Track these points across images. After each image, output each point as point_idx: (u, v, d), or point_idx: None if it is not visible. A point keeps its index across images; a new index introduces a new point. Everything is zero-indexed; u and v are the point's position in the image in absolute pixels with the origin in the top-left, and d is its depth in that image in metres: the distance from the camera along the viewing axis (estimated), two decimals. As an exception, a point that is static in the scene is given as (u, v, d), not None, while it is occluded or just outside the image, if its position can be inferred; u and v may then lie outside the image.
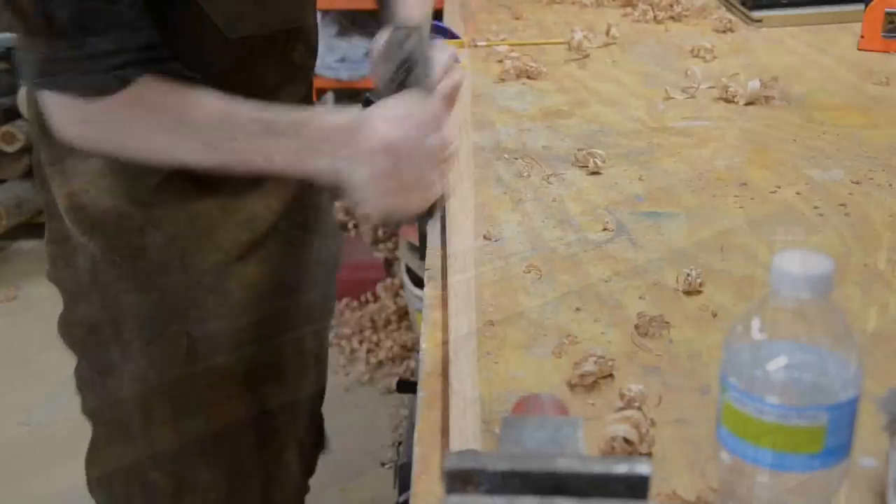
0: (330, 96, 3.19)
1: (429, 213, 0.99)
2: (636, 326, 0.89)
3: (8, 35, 3.33)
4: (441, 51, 1.09)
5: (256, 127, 0.97)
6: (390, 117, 0.94)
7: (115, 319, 1.16)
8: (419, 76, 1.02)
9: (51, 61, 0.94)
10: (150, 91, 0.97)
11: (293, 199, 1.20)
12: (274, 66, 1.14)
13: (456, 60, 1.12)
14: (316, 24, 1.23)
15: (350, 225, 3.25)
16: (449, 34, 1.66)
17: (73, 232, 1.14)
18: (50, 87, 0.96)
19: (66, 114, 0.99)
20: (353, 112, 0.97)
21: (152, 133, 0.99)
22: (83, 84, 0.95)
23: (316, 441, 1.50)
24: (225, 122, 0.97)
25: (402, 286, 2.85)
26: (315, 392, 1.42)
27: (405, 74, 1.01)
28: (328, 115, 0.97)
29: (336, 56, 3.12)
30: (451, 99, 1.09)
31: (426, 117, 0.94)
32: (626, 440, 0.72)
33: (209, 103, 0.97)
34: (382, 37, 1.08)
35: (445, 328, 0.89)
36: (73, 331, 1.22)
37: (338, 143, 0.95)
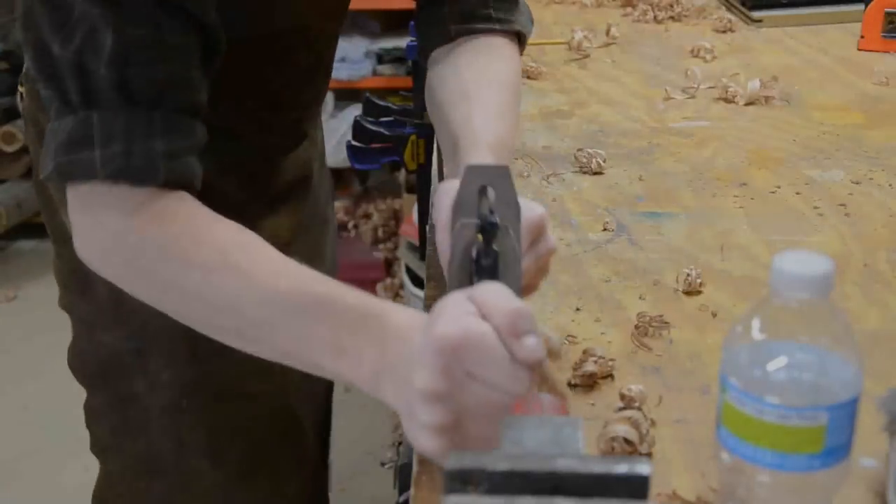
0: (330, 96, 3.19)
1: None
2: (636, 326, 0.89)
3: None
4: (528, 208, 0.79)
5: (310, 299, 0.75)
6: (453, 313, 0.66)
7: (139, 349, 1.09)
8: (503, 250, 0.73)
9: (78, 134, 0.77)
10: (196, 208, 0.80)
11: (304, 217, 1.18)
12: (282, 74, 1.07)
13: (546, 224, 0.82)
14: (334, 35, 1.16)
15: (350, 225, 3.25)
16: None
17: None
18: (73, 166, 0.78)
19: (89, 217, 0.82)
20: (420, 315, 0.72)
21: (183, 266, 0.79)
22: (114, 166, 0.77)
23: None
24: (277, 279, 0.76)
25: (402, 286, 2.85)
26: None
27: (484, 250, 0.72)
28: (394, 311, 0.73)
29: (336, 56, 3.12)
30: (535, 281, 0.84)
31: (506, 318, 0.65)
32: (626, 440, 0.72)
33: (265, 254, 0.78)
34: (446, 188, 0.81)
35: (445, 328, 0.89)
36: (88, 361, 1.14)
37: (392, 351, 0.70)
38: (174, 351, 1.07)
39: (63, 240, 1.09)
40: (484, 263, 0.71)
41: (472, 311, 0.65)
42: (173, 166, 0.79)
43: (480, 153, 0.86)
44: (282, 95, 1.09)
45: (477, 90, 0.95)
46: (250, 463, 1.14)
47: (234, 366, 1.02)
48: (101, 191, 0.78)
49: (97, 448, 1.17)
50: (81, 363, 1.16)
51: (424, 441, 0.66)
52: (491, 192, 0.74)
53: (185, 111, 0.80)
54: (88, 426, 1.17)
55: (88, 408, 1.17)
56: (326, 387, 1.33)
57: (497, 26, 1.03)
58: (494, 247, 0.71)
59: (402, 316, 0.71)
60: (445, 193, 0.81)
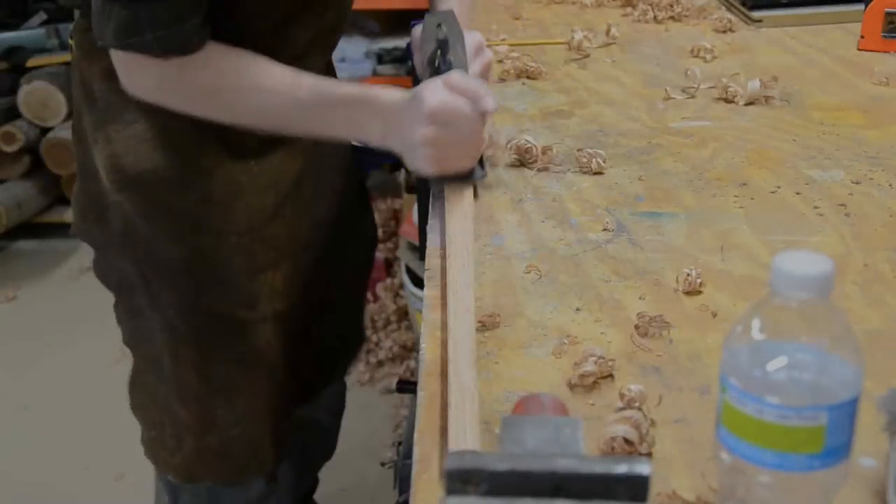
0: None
1: (473, 170, 1.14)
2: (636, 326, 0.89)
3: (8, 35, 3.34)
4: (471, 35, 1.22)
5: (318, 97, 1.11)
6: (434, 89, 1.06)
7: (144, 273, 1.26)
8: (454, 57, 1.14)
9: (131, 24, 1.04)
10: (221, 54, 1.10)
11: (312, 160, 1.32)
12: (310, 28, 1.24)
13: (484, 44, 1.24)
14: None
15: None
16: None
17: (108, 190, 1.23)
18: (133, 48, 1.07)
19: (144, 74, 1.11)
20: (401, 92, 1.11)
21: (221, 95, 1.12)
22: (165, 44, 1.06)
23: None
24: (290, 90, 1.11)
25: (402, 286, 2.85)
26: (342, 349, 1.56)
27: (441, 56, 1.15)
28: (383, 93, 1.11)
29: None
30: (483, 76, 1.22)
31: (464, 88, 1.06)
32: (626, 440, 0.72)
33: (276, 72, 1.11)
34: (419, 27, 1.23)
35: (445, 328, 0.89)
36: (108, 275, 1.33)
37: (390, 118, 1.09)
38: (173, 278, 1.25)
39: (91, 175, 1.27)
40: (442, 67, 1.14)
41: (445, 87, 1.06)
42: (202, 36, 1.09)
43: (444, 3, 1.32)
44: (305, 57, 1.24)
45: None
46: (232, 382, 1.30)
47: (225, 295, 1.26)
48: (155, 61, 1.09)
49: (126, 343, 1.37)
50: (104, 275, 1.35)
51: (425, 166, 1.09)
52: (444, 26, 1.17)
53: None
54: (118, 324, 1.37)
55: (116, 310, 1.36)
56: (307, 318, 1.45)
57: None
58: (449, 56, 1.14)
59: (391, 95, 1.10)
60: (418, 31, 1.25)
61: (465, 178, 1.14)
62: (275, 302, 1.31)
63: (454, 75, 1.09)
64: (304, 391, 1.48)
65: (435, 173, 1.11)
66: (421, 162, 1.09)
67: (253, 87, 1.11)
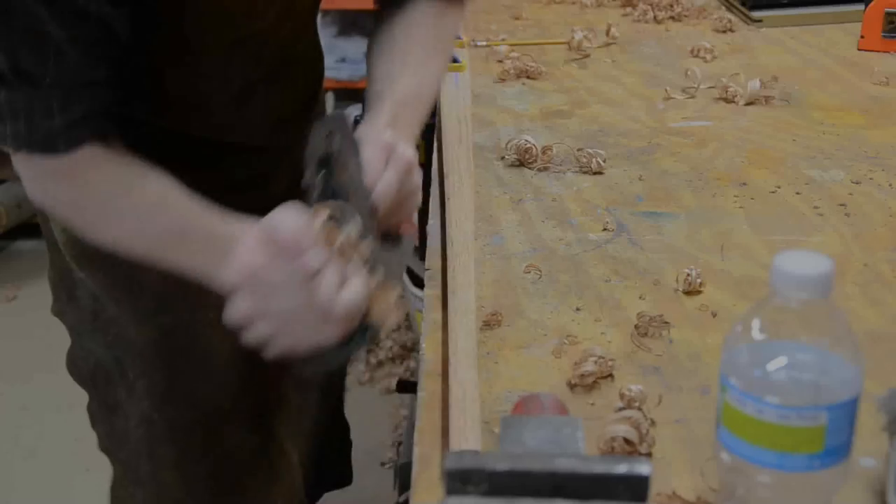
0: (330, 96, 3.19)
1: (341, 347, 0.85)
2: (636, 326, 0.89)
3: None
4: (378, 139, 0.92)
5: (175, 231, 0.91)
6: (250, 242, 0.83)
7: (118, 358, 1.12)
8: (343, 178, 0.88)
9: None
10: (105, 164, 0.90)
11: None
12: (249, 65, 1.06)
13: (394, 146, 0.93)
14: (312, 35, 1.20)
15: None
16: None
17: (73, 266, 1.11)
18: None
19: (24, 174, 0.95)
20: (241, 225, 0.87)
21: (81, 212, 0.94)
22: (20, 140, 0.87)
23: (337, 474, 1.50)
24: (153, 216, 0.91)
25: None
26: (326, 422, 1.39)
27: (324, 177, 0.89)
28: (225, 224, 0.88)
29: (336, 56, 3.12)
30: (404, 186, 0.93)
31: (288, 237, 0.81)
32: (626, 440, 0.72)
33: (147, 192, 0.90)
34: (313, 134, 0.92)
35: (445, 328, 0.89)
36: (80, 367, 1.19)
37: (220, 260, 0.86)
38: (147, 361, 1.11)
39: (53, 246, 1.14)
40: (322, 190, 0.88)
41: (259, 240, 0.82)
42: (73, 133, 0.87)
43: (382, 107, 0.98)
44: (249, 87, 1.09)
45: (402, 47, 1.04)
46: (219, 484, 1.16)
47: (206, 380, 1.12)
48: (19, 158, 0.91)
49: (102, 449, 1.22)
50: (76, 368, 1.20)
51: (264, 348, 0.86)
52: (336, 136, 0.89)
53: (88, 85, 0.87)
54: (92, 428, 1.22)
55: (90, 410, 1.22)
56: (315, 412, 1.33)
57: None
58: (333, 177, 0.88)
59: (229, 229, 0.87)
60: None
61: (331, 355, 0.87)
62: (260, 389, 1.17)
63: (275, 217, 0.83)
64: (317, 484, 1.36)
65: (279, 353, 0.86)
66: (254, 340, 0.86)
67: (115, 206, 0.91)
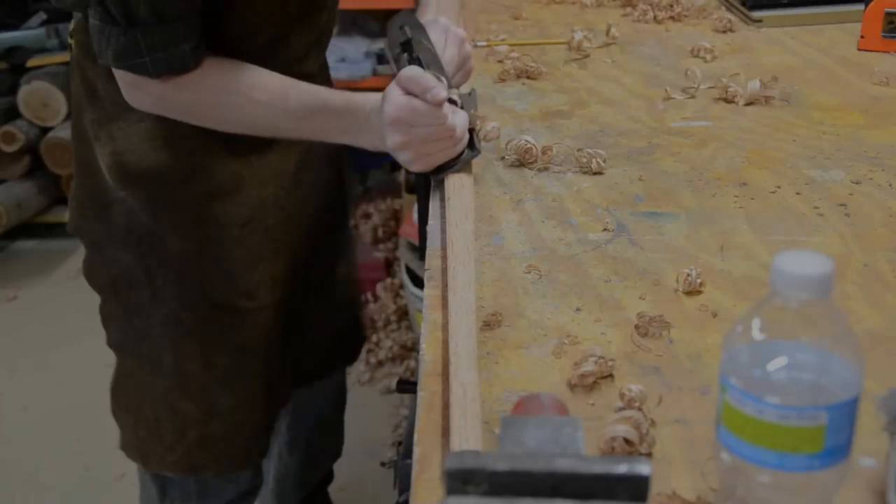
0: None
1: (459, 156, 1.17)
2: (636, 326, 0.89)
3: (8, 35, 3.34)
4: (434, 23, 1.27)
5: (306, 109, 1.17)
6: (390, 96, 1.11)
7: (148, 266, 1.30)
8: (421, 55, 1.19)
9: (129, 48, 1.10)
10: (215, 71, 1.16)
11: (308, 153, 1.36)
12: (307, 32, 1.28)
13: (458, 33, 1.29)
14: None
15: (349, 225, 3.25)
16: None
17: (111, 187, 1.28)
18: (131, 70, 1.13)
19: (143, 92, 1.16)
20: (376, 95, 1.16)
21: (216, 109, 1.18)
22: (161, 67, 1.12)
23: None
24: (280, 102, 1.17)
25: (402, 286, 2.85)
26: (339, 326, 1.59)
27: (408, 56, 1.19)
28: (365, 102, 1.17)
29: (336, 56, 3.12)
30: (461, 63, 1.28)
31: (415, 84, 1.10)
32: (626, 440, 0.72)
33: (268, 84, 1.17)
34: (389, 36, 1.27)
35: (445, 328, 0.89)
36: (100, 274, 1.35)
37: (373, 127, 1.15)
38: (178, 270, 1.29)
39: (91, 171, 1.30)
40: (409, 63, 1.17)
41: (399, 90, 1.11)
42: (197, 58, 1.15)
43: (425, 9, 1.38)
44: (306, 58, 1.31)
45: None
46: (235, 369, 1.34)
47: (227, 285, 1.31)
48: (152, 80, 1.15)
49: (112, 345, 1.39)
50: (95, 274, 1.37)
51: (411, 166, 1.15)
52: (406, 28, 1.22)
53: (198, 13, 1.14)
54: (104, 326, 1.39)
55: (103, 311, 1.39)
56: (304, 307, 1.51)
57: None
58: (415, 54, 1.19)
59: (371, 103, 1.15)
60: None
61: (456, 162, 1.17)
62: (274, 291, 1.36)
63: (405, 74, 1.11)
64: (301, 377, 1.53)
65: (424, 169, 1.16)
66: (406, 163, 1.15)
67: (245, 101, 1.17)
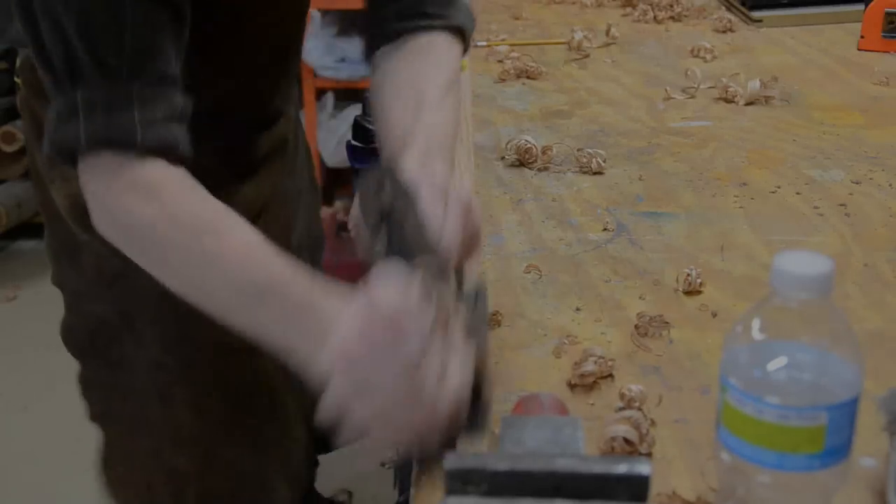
0: (330, 96, 3.19)
1: (445, 446, 0.71)
2: (636, 326, 0.89)
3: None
4: (428, 182, 0.84)
5: (261, 290, 0.81)
6: (350, 318, 0.73)
7: (124, 312, 1.16)
8: (405, 230, 0.78)
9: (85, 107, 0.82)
10: (176, 181, 0.85)
11: (279, 189, 1.24)
12: (250, 50, 1.10)
13: (446, 184, 0.85)
14: (303, 13, 1.22)
15: (350, 225, 3.24)
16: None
17: (76, 230, 1.13)
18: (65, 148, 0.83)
19: (93, 176, 0.85)
20: (340, 301, 0.76)
21: (166, 240, 0.85)
22: (104, 134, 0.82)
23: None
24: (237, 270, 0.82)
25: (402, 286, 2.84)
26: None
27: (387, 238, 0.78)
28: (326, 299, 0.77)
29: (336, 56, 3.12)
30: (466, 230, 0.83)
31: (393, 312, 0.70)
32: (626, 440, 0.72)
33: (235, 238, 0.84)
34: (362, 183, 0.85)
35: (445, 328, 0.89)
36: (78, 333, 1.22)
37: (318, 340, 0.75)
38: (158, 309, 1.12)
39: (53, 216, 1.16)
40: (386, 251, 0.78)
41: (366, 317, 0.71)
42: (152, 133, 0.82)
43: (409, 155, 0.89)
44: (256, 74, 1.13)
45: (410, 91, 0.98)
46: (231, 415, 1.20)
47: (211, 322, 1.04)
48: (91, 163, 0.83)
49: (94, 416, 1.24)
50: (73, 336, 1.23)
51: (368, 442, 0.74)
52: (387, 185, 0.81)
53: (162, 81, 0.84)
54: (83, 396, 1.24)
55: (82, 379, 1.24)
56: None
57: (434, 22, 1.04)
58: (394, 235, 0.78)
59: (331, 305, 0.76)
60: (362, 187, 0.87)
61: (442, 451, 0.67)
62: None
63: (382, 289, 0.72)
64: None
65: (386, 448, 0.74)
66: (355, 437, 0.75)
67: (188, 247, 0.84)
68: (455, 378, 0.71)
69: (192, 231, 0.83)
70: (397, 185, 0.81)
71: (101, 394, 1.23)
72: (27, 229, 3.39)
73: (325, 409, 0.72)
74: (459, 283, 0.82)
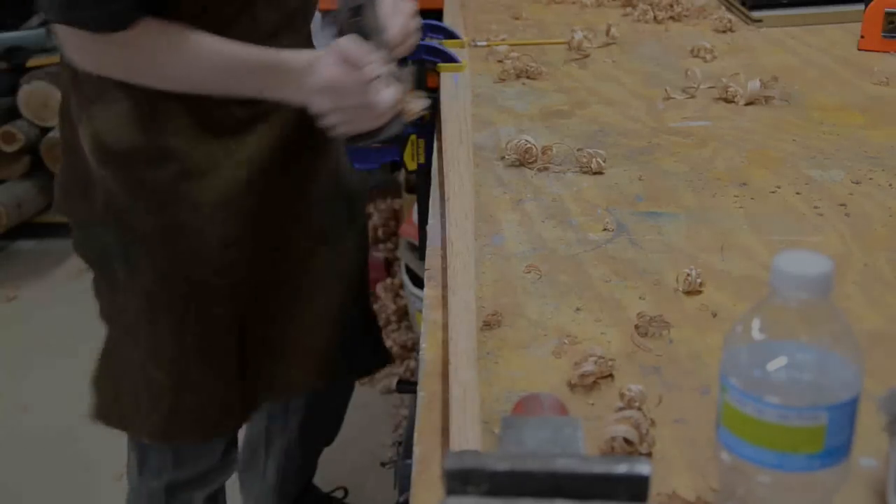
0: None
1: (380, 130, 1.24)
2: (636, 326, 0.89)
3: (8, 35, 3.34)
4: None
5: (237, 65, 1.22)
6: (325, 62, 1.19)
7: (125, 243, 1.34)
8: (367, 19, 1.23)
9: (71, 1, 1.13)
10: (153, 30, 1.18)
11: (287, 140, 1.37)
12: (273, 9, 1.30)
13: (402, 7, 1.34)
14: None
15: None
16: (449, 34, 1.66)
17: (92, 166, 1.32)
18: (71, 23, 1.16)
19: (83, 48, 1.20)
20: (310, 54, 1.23)
21: (153, 68, 1.21)
22: (98, 21, 1.15)
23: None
24: (213, 61, 1.21)
25: (402, 286, 2.85)
26: (319, 317, 1.54)
27: (355, 21, 1.23)
28: (294, 57, 1.23)
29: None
30: (406, 30, 1.34)
31: (352, 56, 1.17)
32: (626, 440, 0.72)
33: (201, 43, 1.20)
34: None
35: (445, 328, 0.89)
36: (87, 250, 1.42)
37: (298, 81, 1.22)
38: (151, 247, 1.33)
39: (75, 152, 1.35)
40: (350, 30, 1.21)
41: (333, 58, 1.18)
42: (134, 15, 1.16)
43: None
44: (277, 37, 1.32)
45: None
46: (205, 344, 1.38)
47: (199, 263, 1.34)
48: (90, 36, 1.18)
49: (102, 316, 1.45)
50: (83, 250, 1.43)
51: (332, 129, 1.23)
52: None
53: None
54: (96, 298, 1.45)
55: (94, 284, 1.44)
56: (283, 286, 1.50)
57: None
58: (361, 21, 1.22)
59: (299, 61, 1.22)
60: None
61: (376, 134, 1.25)
62: (251, 273, 1.39)
63: (342, 44, 1.18)
64: (291, 385, 1.52)
65: (344, 135, 1.25)
66: (328, 128, 1.24)
67: (180, 60, 1.21)
68: (390, 94, 1.21)
69: (178, 44, 1.19)
70: None
71: (105, 301, 1.43)
72: (27, 229, 3.39)
73: (314, 111, 1.21)
74: (401, 63, 1.35)
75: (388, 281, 2.97)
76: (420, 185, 1.70)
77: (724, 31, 1.87)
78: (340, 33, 1.23)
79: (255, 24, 1.28)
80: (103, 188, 1.32)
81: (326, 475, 1.99)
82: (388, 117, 1.23)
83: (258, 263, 1.40)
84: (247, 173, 1.33)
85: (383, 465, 2.15)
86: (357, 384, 2.58)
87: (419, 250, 2.07)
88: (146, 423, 1.42)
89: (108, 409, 1.47)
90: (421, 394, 0.82)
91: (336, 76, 1.18)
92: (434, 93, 1.50)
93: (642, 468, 0.53)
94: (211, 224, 1.32)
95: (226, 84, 1.24)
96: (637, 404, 0.76)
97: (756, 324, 0.62)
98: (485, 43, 1.81)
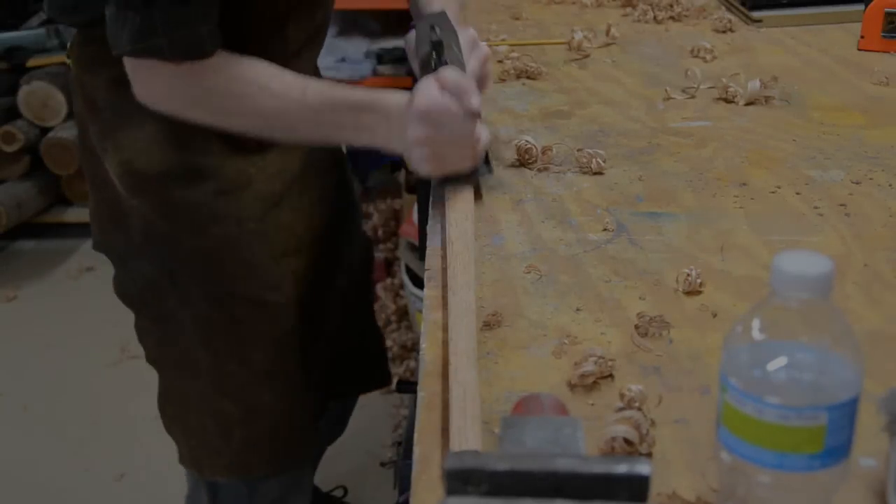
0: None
1: (476, 169, 1.15)
2: (636, 326, 0.89)
3: (8, 35, 3.34)
4: (464, 32, 1.25)
5: (326, 103, 1.14)
6: (425, 89, 1.09)
7: (170, 271, 1.30)
8: (450, 57, 1.16)
9: (146, 29, 1.07)
10: (232, 60, 1.13)
11: (309, 154, 1.36)
12: (303, 26, 1.27)
13: (477, 38, 1.27)
14: None
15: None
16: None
17: (123, 196, 1.28)
18: (147, 53, 1.09)
19: (156, 79, 1.13)
20: (404, 95, 1.12)
21: (232, 99, 1.14)
22: (178, 49, 1.08)
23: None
24: (300, 95, 1.13)
25: (402, 286, 2.85)
26: (353, 334, 1.57)
27: (437, 58, 1.15)
28: (388, 97, 1.13)
29: (336, 56, 3.12)
30: (481, 71, 1.25)
31: (454, 85, 1.08)
32: (626, 440, 0.72)
33: (286, 78, 1.14)
34: (412, 33, 1.27)
35: (445, 328, 0.89)
36: (128, 289, 1.36)
37: (393, 122, 1.12)
38: (200, 270, 1.29)
39: (104, 185, 1.30)
40: (437, 66, 1.13)
41: (436, 86, 1.08)
42: (214, 42, 1.11)
43: (433, 6, 1.32)
44: (300, 53, 1.30)
45: None
46: (272, 364, 1.34)
47: (252, 279, 1.31)
48: (171, 67, 1.11)
49: (150, 360, 1.40)
50: (124, 291, 1.37)
51: (422, 166, 1.11)
52: (437, 28, 1.19)
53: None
54: (141, 343, 1.39)
55: (137, 328, 1.39)
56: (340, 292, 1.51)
57: None
58: (444, 56, 1.15)
59: (395, 99, 1.12)
60: (411, 37, 1.29)
61: (467, 177, 1.14)
62: (299, 287, 1.36)
63: (445, 72, 1.09)
64: (329, 382, 1.52)
65: (433, 173, 1.13)
66: (418, 162, 1.11)
67: (259, 91, 1.13)
68: (486, 133, 1.13)
69: (259, 81, 1.13)
70: (447, 27, 1.22)
71: (153, 342, 1.37)
72: (27, 229, 3.39)
73: (410, 140, 1.09)
74: None
75: (388, 281, 2.97)
76: (420, 185, 1.70)
77: (723, 32, 1.87)
78: (424, 69, 1.16)
79: (285, 45, 1.25)
80: (139, 217, 1.28)
81: (326, 475, 1.99)
82: (478, 156, 1.13)
83: (307, 283, 1.37)
84: (281, 188, 1.31)
85: (383, 465, 2.16)
86: (357, 384, 2.59)
87: (419, 250, 2.08)
88: (220, 461, 1.37)
89: (182, 454, 1.42)
90: (421, 394, 0.82)
91: (438, 101, 1.07)
92: None
93: (642, 468, 0.53)
94: (257, 238, 1.29)
95: (309, 123, 1.15)
96: (637, 404, 0.76)
97: (756, 324, 0.62)
98: (485, 43, 1.81)
